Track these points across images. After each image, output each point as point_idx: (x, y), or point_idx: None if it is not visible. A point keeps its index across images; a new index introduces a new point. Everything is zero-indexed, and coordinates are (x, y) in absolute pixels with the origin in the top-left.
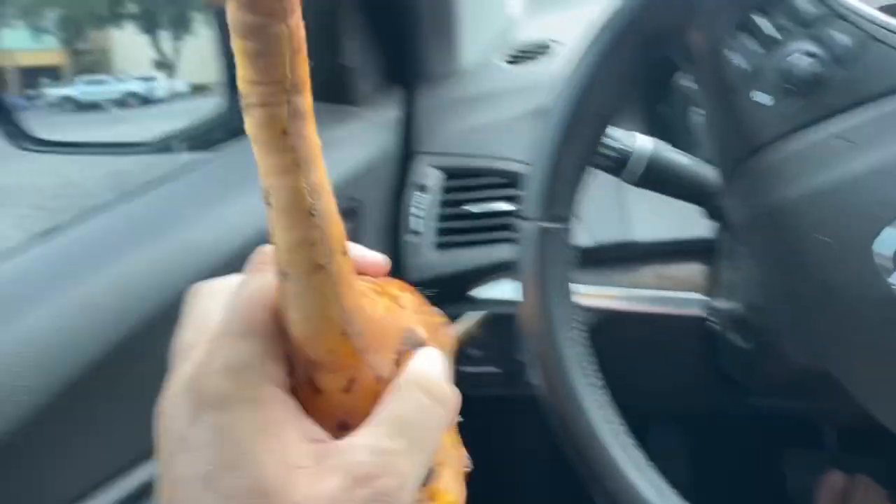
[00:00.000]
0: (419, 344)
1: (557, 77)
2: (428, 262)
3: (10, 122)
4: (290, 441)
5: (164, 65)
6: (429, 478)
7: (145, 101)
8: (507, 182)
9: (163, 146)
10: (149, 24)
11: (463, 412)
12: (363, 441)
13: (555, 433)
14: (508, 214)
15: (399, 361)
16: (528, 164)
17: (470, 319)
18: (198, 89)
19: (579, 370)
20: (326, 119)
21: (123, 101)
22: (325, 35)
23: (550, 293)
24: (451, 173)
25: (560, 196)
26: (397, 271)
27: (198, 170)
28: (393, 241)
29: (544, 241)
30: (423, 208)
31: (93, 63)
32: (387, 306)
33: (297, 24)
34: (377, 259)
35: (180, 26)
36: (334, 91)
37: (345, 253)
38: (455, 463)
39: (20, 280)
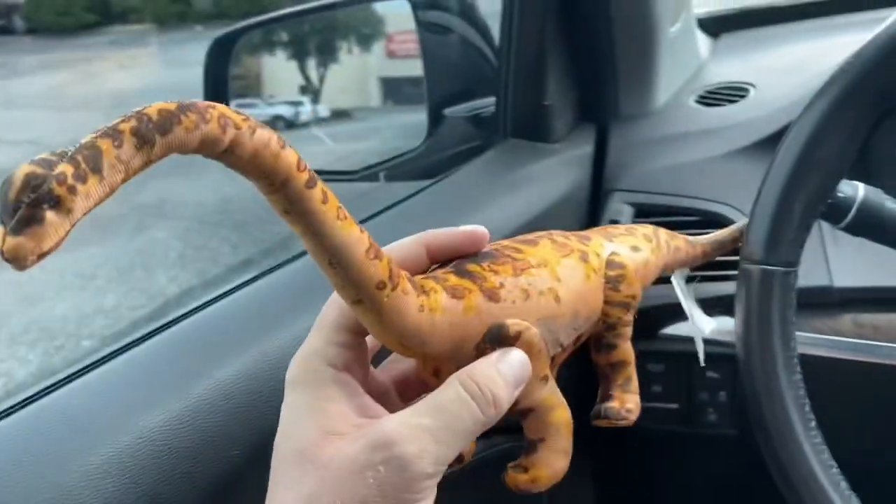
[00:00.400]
0: (501, 340)
1: (764, 122)
2: None
3: None
4: (333, 413)
5: (309, 90)
6: (527, 449)
7: (290, 124)
8: (700, 221)
9: (366, 175)
10: (297, 51)
11: (637, 445)
12: (398, 416)
13: (771, 471)
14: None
15: (481, 355)
16: (753, 206)
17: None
18: (338, 115)
19: (801, 414)
20: (524, 155)
21: (271, 124)
22: (527, 76)
23: (775, 335)
24: (643, 211)
25: (788, 241)
26: None
27: (409, 201)
28: None
29: (771, 284)
30: None
31: (244, 87)
32: (471, 307)
33: (261, 142)
34: (469, 234)
35: (326, 53)
36: (532, 129)
37: (389, 287)
38: (555, 444)
39: (219, 328)
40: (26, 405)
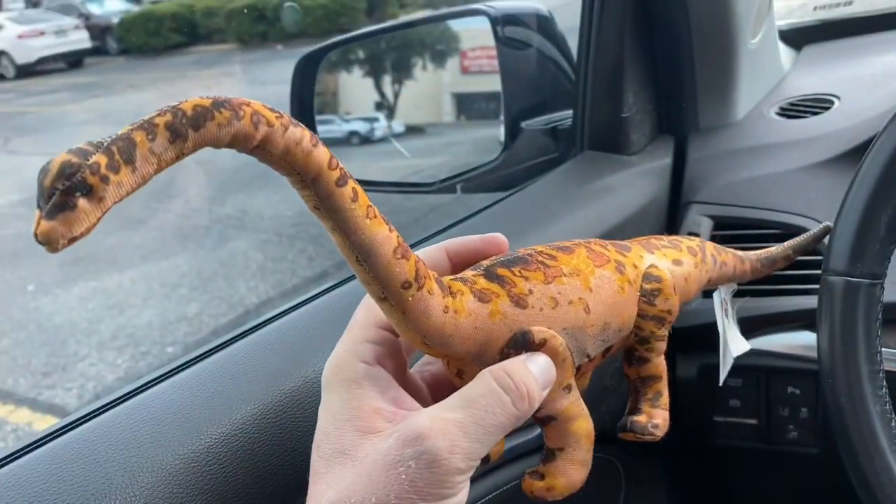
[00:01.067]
0: (525, 346)
1: (849, 134)
2: (693, 309)
3: None
4: (367, 411)
5: (384, 106)
6: (545, 457)
7: (365, 140)
8: (780, 234)
9: (443, 188)
10: (373, 69)
11: (715, 460)
12: (429, 410)
13: (855, 487)
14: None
15: (504, 360)
16: (837, 217)
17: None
18: (412, 130)
19: (887, 429)
20: (601, 167)
21: (347, 140)
22: (605, 89)
23: (860, 349)
24: (722, 223)
25: (873, 252)
26: None
27: (486, 212)
28: None
29: (856, 296)
30: None
31: (322, 104)
32: (496, 312)
33: (292, 140)
34: (488, 240)
35: (400, 70)
36: (609, 141)
37: (415, 287)
38: (574, 454)
39: (312, 325)
40: (135, 395)
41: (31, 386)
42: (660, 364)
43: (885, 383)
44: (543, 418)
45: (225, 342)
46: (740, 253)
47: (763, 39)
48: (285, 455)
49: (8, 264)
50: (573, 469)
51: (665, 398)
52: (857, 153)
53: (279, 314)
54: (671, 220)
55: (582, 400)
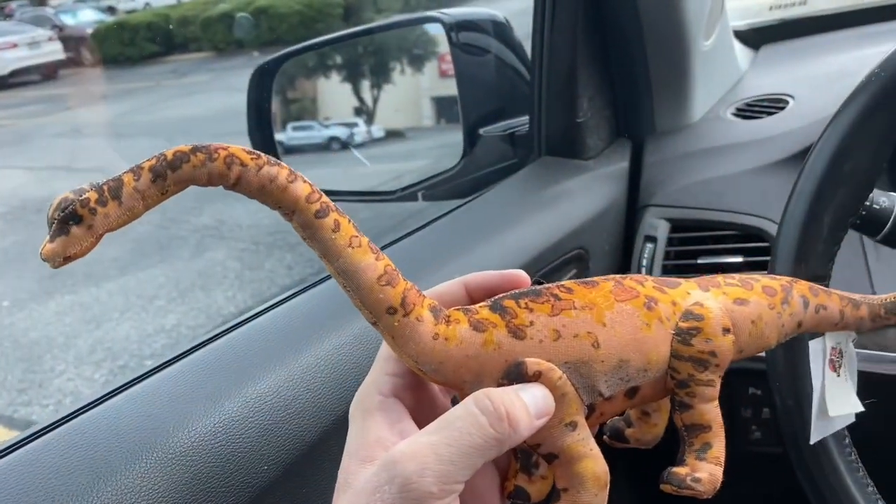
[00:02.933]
0: (518, 377)
1: (803, 134)
2: None
3: None
4: (371, 441)
5: (364, 111)
6: (552, 497)
7: (345, 145)
8: (737, 235)
9: (404, 195)
10: (351, 74)
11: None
12: (411, 437)
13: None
14: (737, 267)
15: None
16: (781, 219)
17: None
18: (392, 134)
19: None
20: (558, 172)
21: (326, 146)
22: (559, 94)
23: (804, 349)
24: (679, 225)
25: (817, 254)
26: None
27: (445, 218)
28: None
29: None
30: (650, 258)
31: (301, 110)
32: (490, 342)
33: (266, 177)
34: (507, 276)
35: (379, 75)
36: (567, 146)
37: (401, 313)
38: (578, 496)
39: (251, 347)
40: (65, 422)
41: (7, 403)
42: (706, 412)
43: None
44: (546, 455)
45: (161, 364)
46: (856, 296)
47: (717, 41)
48: (225, 477)
49: None
50: None
51: (716, 451)
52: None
53: (216, 335)
54: (630, 223)
55: (593, 440)
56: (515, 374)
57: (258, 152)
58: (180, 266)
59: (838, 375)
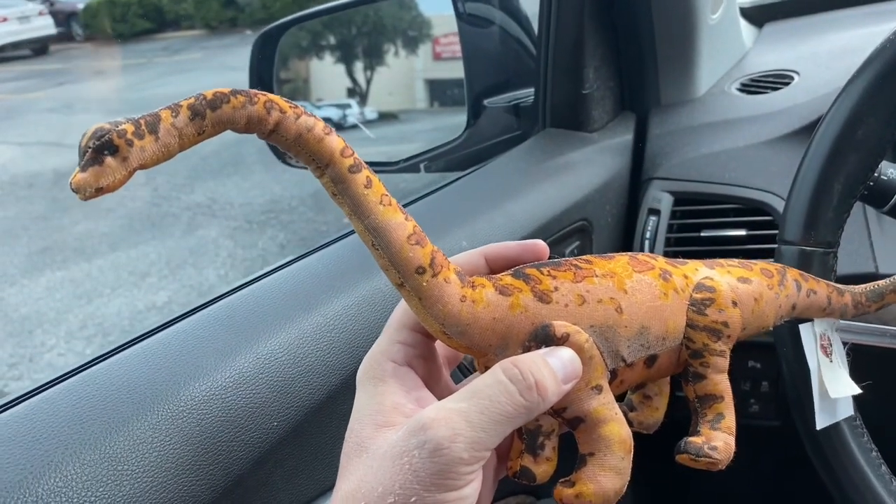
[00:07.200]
0: (546, 340)
1: (808, 109)
2: None
3: None
4: (388, 407)
5: (357, 93)
6: (577, 463)
7: (338, 126)
8: (741, 209)
9: (407, 167)
10: (344, 55)
11: (673, 436)
12: (437, 403)
13: (808, 452)
14: (740, 240)
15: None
16: (791, 185)
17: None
18: (385, 116)
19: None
20: (562, 144)
21: None
22: (565, 66)
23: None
24: (682, 198)
25: (827, 221)
26: None
27: (449, 188)
28: None
29: (810, 265)
30: (654, 231)
31: (293, 91)
32: (517, 305)
33: (304, 126)
34: (527, 246)
35: (372, 57)
36: (572, 118)
37: (430, 273)
38: (605, 460)
39: (263, 304)
40: (78, 373)
41: None
42: (719, 382)
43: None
44: (572, 420)
45: (173, 319)
46: (840, 286)
47: (723, 15)
48: (236, 431)
49: None
50: (603, 476)
51: (728, 421)
52: (814, 128)
53: (229, 292)
54: (633, 196)
55: (617, 405)
56: (543, 337)
57: (294, 102)
58: (172, 243)
59: (831, 361)
